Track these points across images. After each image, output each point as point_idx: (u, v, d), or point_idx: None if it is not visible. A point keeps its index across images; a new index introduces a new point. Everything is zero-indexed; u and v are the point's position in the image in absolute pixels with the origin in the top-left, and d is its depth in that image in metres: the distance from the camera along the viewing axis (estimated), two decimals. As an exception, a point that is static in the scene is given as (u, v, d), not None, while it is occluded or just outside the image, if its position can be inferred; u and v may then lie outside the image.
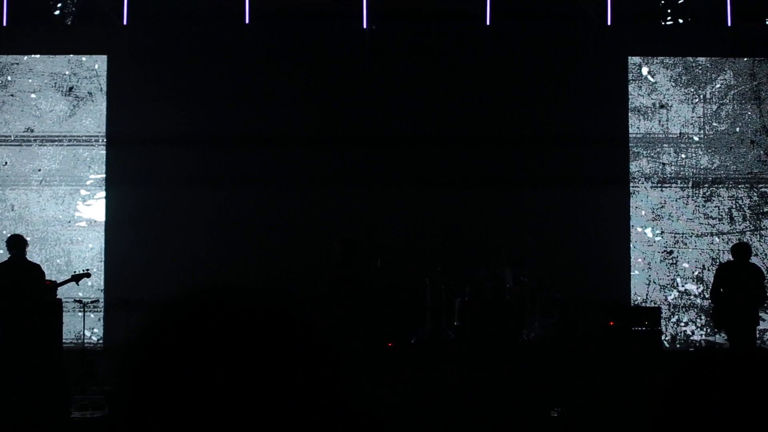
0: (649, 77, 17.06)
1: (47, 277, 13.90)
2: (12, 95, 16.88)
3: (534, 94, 16.56)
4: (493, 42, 16.77)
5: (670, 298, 16.76)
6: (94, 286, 16.25)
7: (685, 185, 16.83)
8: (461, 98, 16.62)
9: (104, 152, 16.72)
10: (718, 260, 16.51)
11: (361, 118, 16.56)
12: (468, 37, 16.85)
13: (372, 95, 16.58)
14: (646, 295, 16.77)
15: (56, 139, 16.76)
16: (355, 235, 14.22)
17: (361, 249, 13.24)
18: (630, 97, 16.96)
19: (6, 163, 16.76)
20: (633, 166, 16.88)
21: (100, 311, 16.33)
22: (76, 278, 13.34)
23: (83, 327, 15.06)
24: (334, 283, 12.92)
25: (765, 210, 16.81)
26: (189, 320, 1.59)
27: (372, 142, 16.53)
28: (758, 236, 16.66)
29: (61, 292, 14.33)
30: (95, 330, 16.38)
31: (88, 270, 13.92)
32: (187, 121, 16.56)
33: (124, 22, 16.70)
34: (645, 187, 16.86)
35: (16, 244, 13.39)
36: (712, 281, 14.83)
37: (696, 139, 16.91)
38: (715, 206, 16.84)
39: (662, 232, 16.85)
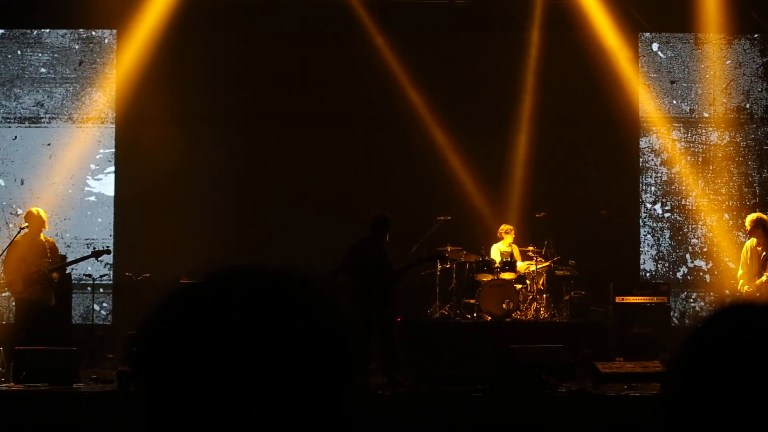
0: (659, 53, 17.00)
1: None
2: (22, 69, 16.87)
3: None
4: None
5: (679, 275, 16.74)
6: (102, 261, 16.27)
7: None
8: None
9: (113, 129, 16.76)
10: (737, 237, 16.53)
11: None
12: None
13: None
14: (655, 270, 16.76)
15: (65, 115, 16.80)
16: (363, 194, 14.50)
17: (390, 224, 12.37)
18: (640, 73, 16.91)
19: (15, 137, 16.77)
20: (642, 142, 16.87)
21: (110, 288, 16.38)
22: (96, 254, 13.11)
23: (92, 302, 15.12)
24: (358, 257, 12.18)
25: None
26: (198, 300, 1.58)
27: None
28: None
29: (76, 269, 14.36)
30: (104, 304, 16.41)
31: (108, 247, 13.78)
32: (199, 98, 16.56)
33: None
34: (655, 163, 16.84)
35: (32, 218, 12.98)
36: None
37: (706, 115, 16.87)
38: (725, 182, 16.78)
39: (672, 208, 16.82)
